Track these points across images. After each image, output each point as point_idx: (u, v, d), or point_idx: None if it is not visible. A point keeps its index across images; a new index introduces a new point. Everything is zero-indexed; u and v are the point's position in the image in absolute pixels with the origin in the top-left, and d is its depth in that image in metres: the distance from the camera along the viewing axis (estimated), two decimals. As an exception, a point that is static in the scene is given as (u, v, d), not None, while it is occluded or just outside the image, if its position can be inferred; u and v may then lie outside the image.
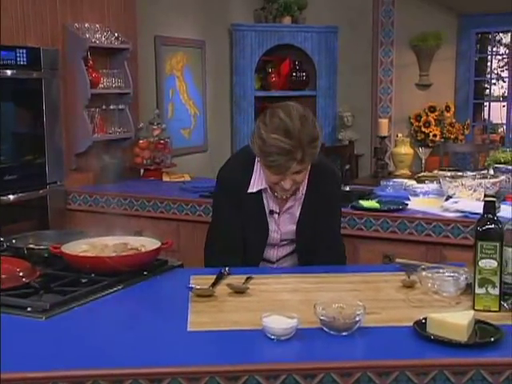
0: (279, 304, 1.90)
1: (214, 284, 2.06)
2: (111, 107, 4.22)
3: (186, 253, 3.52)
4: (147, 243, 2.29)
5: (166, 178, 4.43)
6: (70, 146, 4.00)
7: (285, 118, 2.11)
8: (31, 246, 2.35)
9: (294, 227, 2.40)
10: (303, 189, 2.36)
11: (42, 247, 2.33)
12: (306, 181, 2.35)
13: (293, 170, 2.16)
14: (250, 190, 2.33)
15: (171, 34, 5.29)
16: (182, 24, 5.45)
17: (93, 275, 2.10)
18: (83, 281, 2.09)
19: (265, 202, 2.37)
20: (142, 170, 4.52)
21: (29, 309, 1.83)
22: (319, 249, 2.42)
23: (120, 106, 4.26)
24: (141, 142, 4.40)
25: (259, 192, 2.35)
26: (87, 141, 4.00)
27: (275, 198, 2.37)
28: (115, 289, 2.04)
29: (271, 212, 2.38)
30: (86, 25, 4.02)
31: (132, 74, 4.28)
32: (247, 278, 2.12)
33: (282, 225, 2.40)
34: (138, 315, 1.87)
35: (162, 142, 4.49)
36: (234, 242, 2.39)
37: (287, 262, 2.51)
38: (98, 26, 4.10)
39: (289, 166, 2.13)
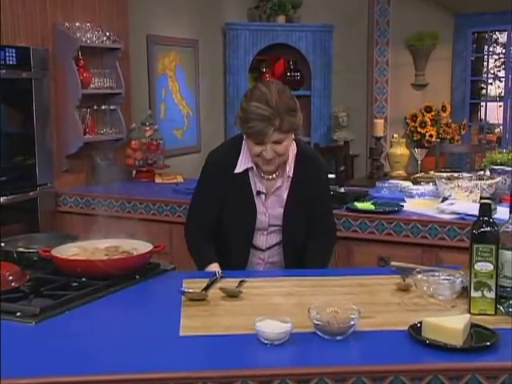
0: (273, 308, 1.91)
1: (206, 288, 2.07)
2: (103, 107, 4.22)
3: (179, 256, 3.51)
4: (139, 246, 2.29)
5: (158, 180, 4.43)
6: (60, 147, 3.99)
7: (264, 90, 2.29)
8: (21, 249, 2.35)
9: (282, 210, 2.45)
10: (290, 171, 2.43)
11: (31, 250, 2.33)
12: (293, 164, 2.43)
13: (272, 137, 2.27)
14: (236, 171, 2.42)
15: (164, 33, 5.29)
16: (175, 23, 5.45)
17: (84, 279, 2.10)
18: (74, 285, 2.08)
19: (252, 182, 2.44)
20: (134, 172, 4.52)
21: (18, 314, 1.82)
22: (313, 233, 2.52)
23: (112, 107, 4.26)
24: (133, 142, 4.40)
25: (246, 173, 2.43)
26: (78, 142, 4.00)
27: (262, 179, 2.44)
28: (106, 293, 2.04)
29: (258, 193, 2.44)
30: (77, 24, 4.02)
31: (124, 74, 4.28)
32: (240, 282, 2.12)
33: (270, 207, 2.46)
34: (130, 320, 1.86)
35: (154, 142, 4.49)
36: (207, 222, 2.48)
37: (276, 252, 2.53)
38: (89, 25, 4.10)
39: (267, 132, 2.25)
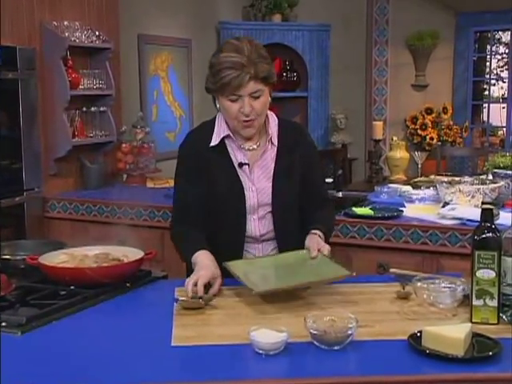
0: (268, 316, 1.91)
1: (200, 296, 2.05)
2: (92, 109, 4.22)
3: (171, 263, 3.51)
4: (130, 253, 2.29)
5: (150, 184, 4.43)
6: (48, 150, 3.99)
7: (234, 42, 2.27)
8: (7, 256, 2.35)
9: (270, 184, 2.36)
10: (274, 139, 2.37)
11: (18, 258, 2.33)
12: (276, 133, 2.38)
13: (248, 87, 2.22)
14: (212, 143, 2.34)
15: (155, 32, 5.29)
16: (167, 22, 5.46)
17: (72, 287, 2.09)
18: (62, 293, 2.08)
19: (232, 155, 2.36)
20: (124, 176, 4.52)
21: (4, 323, 1.82)
22: (309, 209, 2.43)
23: (101, 108, 4.25)
24: (123, 146, 4.40)
25: (224, 145, 2.35)
26: (67, 145, 4.00)
27: (242, 150, 2.37)
28: (96, 302, 2.04)
29: (241, 165, 2.34)
30: (65, 23, 4.02)
31: (114, 75, 4.28)
32: (207, 286, 2.07)
33: (257, 181, 2.36)
34: (120, 330, 1.86)
35: (145, 145, 4.49)
36: (192, 211, 2.35)
37: (272, 241, 2.42)
38: (77, 23, 4.10)
39: (242, 80, 2.20)
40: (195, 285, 2.06)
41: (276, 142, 2.38)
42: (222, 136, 2.35)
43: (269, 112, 2.40)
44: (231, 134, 2.35)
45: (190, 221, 2.35)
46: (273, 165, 2.37)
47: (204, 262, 2.18)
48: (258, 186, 2.36)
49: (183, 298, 2.00)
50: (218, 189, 2.33)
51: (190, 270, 2.28)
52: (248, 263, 2.26)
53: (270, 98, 2.33)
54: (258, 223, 2.37)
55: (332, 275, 2.11)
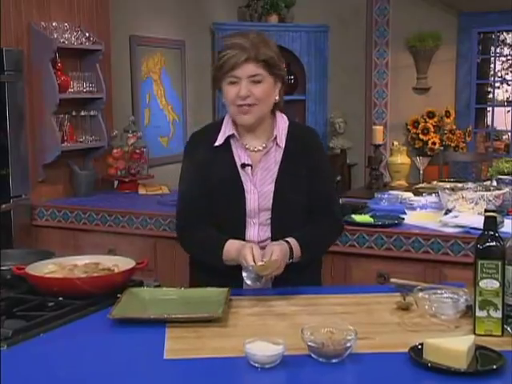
0: (264, 329, 1.91)
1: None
2: (82, 113, 4.22)
3: (164, 272, 3.52)
4: (121, 263, 2.29)
5: (142, 191, 4.43)
6: (36, 155, 3.99)
7: (241, 32, 2.33)
8: (-7, 266, 2.34)
9: (273, 188, 2.35)
10: (280, 141, 2.36)
11: (4, 268, 2.32)
12: (284, 136, 2.37)
13: (246, 69, 2.24)
14: (217, 143, 2.36)
15: (148, 33, 5.30)
16: (160, 22, 5.47)
17: (60, 298, 2.09)
18: (50, 305, 2.07)
19: (236, 155, 2.37)
20: (115, 182, 4.52)
21: (-11, 336, 1.82)
22: (315, 216, 2.39)
23: (92, 112, 4.26)
24: (115, 151, 4.40)
25: (228, 145, 2.37)
26: (55, 150, 4.00)
27: (247, 150, 2.37)
28: (85, 313, 2.03)
29: (243, 165, 2.35)
30: (54, 23, 4.03)
31: (105, 78, 4.29)
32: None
33: (259, 183, 2.35)
34: (110, 342, 1.86)
35: (137, 151, 4.50)
36: (200, 212, 2.36)
37: None
38: (66, 24, 4.10)
39: (238, 59, 2.23)
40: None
41: (283, 145, 2.37)
42: (227, 135, 2.36)
43: (279, 113, 2.41)
44: (236, 133, 2.36)
45: (196, 221, 2.36)
46: (276, 168, 2.36)
47: (240, 243, 2.25)
48: (259, 188, 2.35)
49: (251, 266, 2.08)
50: (219, 189, 2.35)
51: (193, 274, 2.41)
52: (155, 291, 2.24)
53: (278, 97, 2.35)
54: (258, 229, 2.36)
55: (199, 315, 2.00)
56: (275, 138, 2.36)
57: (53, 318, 1.96)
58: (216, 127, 2.41)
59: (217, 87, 2.36)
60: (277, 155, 2.37)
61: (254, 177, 2.36)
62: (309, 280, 2.40)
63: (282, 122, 2.40)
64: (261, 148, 2.37)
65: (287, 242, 2.25)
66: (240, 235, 2.33)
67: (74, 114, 4.17)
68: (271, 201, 2.34)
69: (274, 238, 2.33)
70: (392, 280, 2.34)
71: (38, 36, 3.91)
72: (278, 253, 2.16)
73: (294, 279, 2.29)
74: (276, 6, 6.38)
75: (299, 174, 2.36)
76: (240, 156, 2.37)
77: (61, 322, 1.96)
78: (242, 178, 2.35)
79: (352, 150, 6.62)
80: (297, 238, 2.27)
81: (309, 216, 2.39)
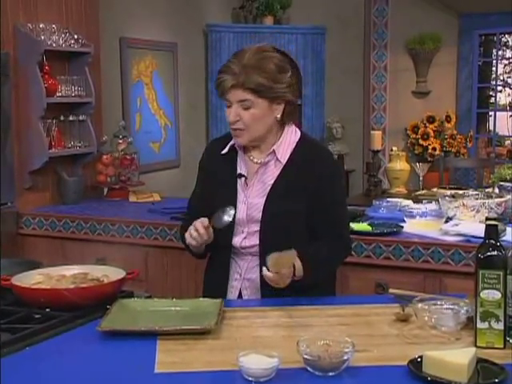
0: (258, 341, 1.91)
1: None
2: (70, 118, 4.22)
3: (155, 283, 3.52)
4: (110, 273, 2.29)
5: (132, 198, 4.43)
6: (22, 162, 3.98)
7: (245, 48, 2.39)
8: (-23, 276, 2.34)
9: (263, 201, 2.38)
10: (282, 157, 2.39)
11: (-11, 278, 2.32)
12: (289, 152, 2.39)
13: (234, 95, 2.30)
14: (223, 152, 2.46)
15: (138, 35, 5.31)
16: (151, 24, 5.48)
17: (48, 310, 2.09)
18: (36, 317, 2.07)
19: (238, 166, 2.46)
20: (105, 189, 4.52)
21: (-26, 349, 1.81)
22: (322, 239, 2.39)
23: (80, 117, 4.26)
24: (104, 157, 4.40)
25: (234, 155, 2.46)
26: (43, 156, 3.99)
27: (247, 161, 2.45)
28: (73, 325, 2.03)
29: (240, 176, 2.44)
30: (41, 25, 4.03)
31: (94, 81, 4.29)
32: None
33: (252, 196, 2.40)
34: (99, 356, 1.86)
35: (128, 157, 4.49)
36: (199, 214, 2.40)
37: (253, 264, 2.43)
38: (54, 26, 4.10)
39: (225, 85, 2.29)
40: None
41: (284, 160, 2.40)
42: (231, 144, 2.45)
43: (289, 127, 2.43)
44: (241, 149, 2.46)
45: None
46: (271, 181, 2.40)
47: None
48: (250, 200, 2.41)
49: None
50: (216, 196, 2.44)
51: (205, 291, 2.46)
52: (145, 302, 2.24)
53: (280, 115, 2.37)
54: (246, 238, 2.41)
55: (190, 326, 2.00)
56: (273, 152, 2.40)
57: (39, 331, 1.95)
58: (230, 136, 2.47)
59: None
60: (275, 170, 2.41)
61: (249, 188, 2.43)
62: (323, 291, 2.44)
63: (291, 137, 2.42)
64: (261, 161, 2.43)
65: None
66: (227, 241, 2.42)
67: (62, 118, 4.17)
68: (260, 213, 2.39)
69: (261, 246, 2.38)
70: (391, 290, 2.34)
71: (25, 38, 3.90)
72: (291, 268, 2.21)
73: (307, 292, 2.33)
74: (271, 7, 6.40)
75: (296, 190, 2.38)
76: (240, 166, 2.46)
77: (48, 334, 1.95)
78: (238, 188, 2.44)
79: (350, 155, 6.63)
80: (301, 258, 2.26)
81: (310, 233, 2.40)
